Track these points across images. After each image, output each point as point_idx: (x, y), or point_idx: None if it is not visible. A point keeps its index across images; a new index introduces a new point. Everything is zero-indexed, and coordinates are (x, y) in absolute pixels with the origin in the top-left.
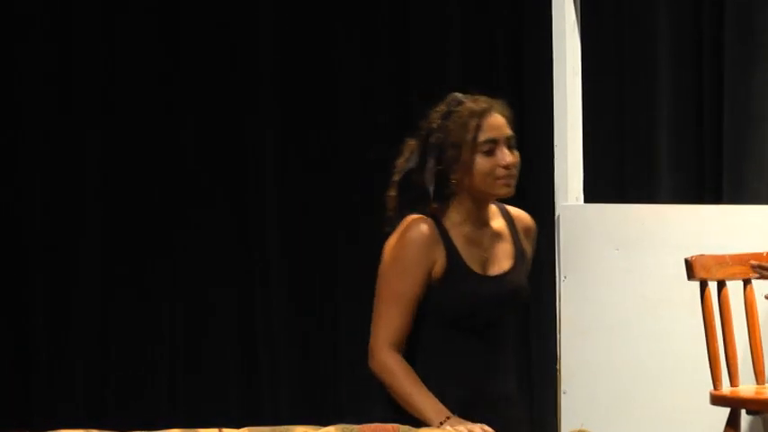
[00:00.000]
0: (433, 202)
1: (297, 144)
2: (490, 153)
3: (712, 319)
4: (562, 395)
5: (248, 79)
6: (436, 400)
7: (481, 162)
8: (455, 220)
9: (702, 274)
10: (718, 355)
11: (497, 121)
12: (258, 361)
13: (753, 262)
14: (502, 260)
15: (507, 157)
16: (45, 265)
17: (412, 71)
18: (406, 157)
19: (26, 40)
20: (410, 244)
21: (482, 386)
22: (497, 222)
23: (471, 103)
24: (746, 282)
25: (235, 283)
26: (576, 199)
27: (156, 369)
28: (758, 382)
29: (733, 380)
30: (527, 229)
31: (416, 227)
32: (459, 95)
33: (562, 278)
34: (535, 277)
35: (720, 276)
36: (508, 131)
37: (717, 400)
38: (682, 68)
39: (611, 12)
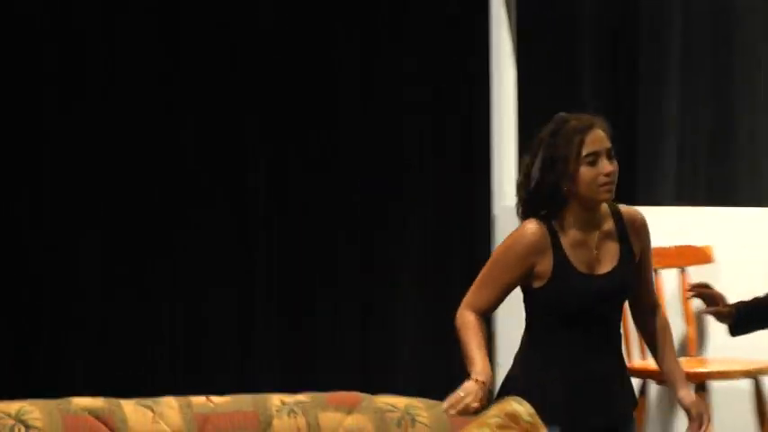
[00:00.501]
0: (547, 210)
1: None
2: (593, 164)
3: None
4: (497, 367)
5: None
6: (486, 362)
7: (585, 172)
8: (566, 225)
9: None
10: (629, 332)
11: (598, 136)
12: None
13: (692, 284)
14: (608, 260)
15: (608, 166)
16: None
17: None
18: (524, 173)
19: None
20: (517, 243)
21: (588, 369)
22: (607, 224)
23: (575, 120)
24: (655, 271)
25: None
26: (511, 200)
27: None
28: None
29: (641, 352)
30: (636, 226)
31: (527, 230)
32: (564, 114)
33: None
34: (475, 268)
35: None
36: (608, 144)
37: (630, 372)
38: (603, 79)
39: (542, 37)
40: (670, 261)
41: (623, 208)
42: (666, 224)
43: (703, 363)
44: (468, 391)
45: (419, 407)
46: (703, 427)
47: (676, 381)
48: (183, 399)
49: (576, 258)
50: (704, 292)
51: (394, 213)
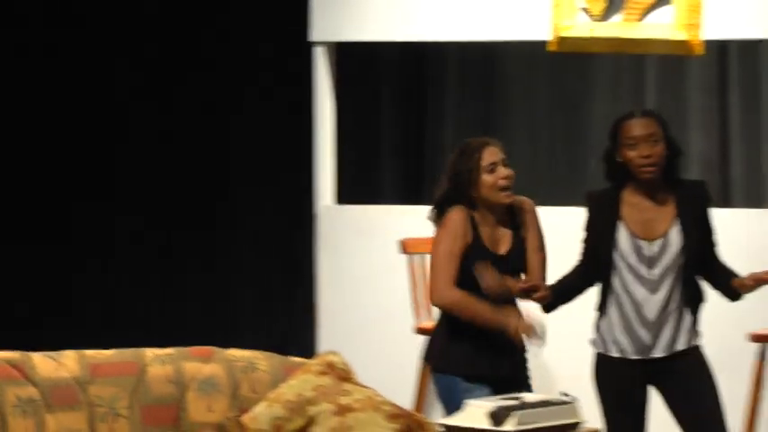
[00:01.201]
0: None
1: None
2: (492, 172)
3: (415, 278)
4: (319, 329)
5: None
6: (495, 310)
7: (486, 178)
8: (479, 215)
9: (409, 250)
10: (418, 298)
11: (493, 150)
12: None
13: (521, 285)
14: (505, 243)
15: (504, 171)
16: None
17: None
18: (442, 184)
19: None
20: (453, 219)
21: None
22: (504, 218)
23: (474, 142)
24: None
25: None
26: (329, 200)
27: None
28: None
29: (428, 317)
30: (524, 211)
31: (454, 212)
32: (466, 140)
33: (320, 258)
34: (298, 256)
35: (422, 251)
36: (502, 155)
37: (418, 330)
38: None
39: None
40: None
41: (516, 199)
42: None
43: None
44: (523, 327)
45: (260, 357)
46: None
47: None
48: (78, 351)
49: (487, 239)
50: (529, 289)
51: (227, 209)
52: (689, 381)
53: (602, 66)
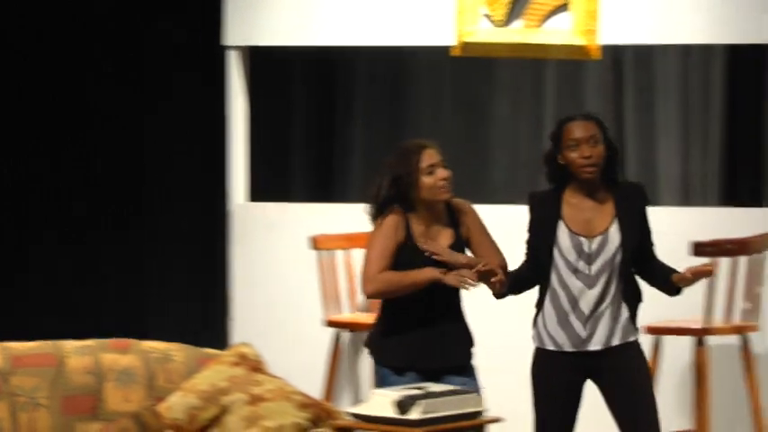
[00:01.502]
0: (401, 207)
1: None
2: (431, 173)
3: (325, 272)
4: (232, 321)
5: None
6: (417, 271)
7: (426, 180)
8: (415, 216)
9: (320, 246)
10: (328, 292)
11: (431, 152)
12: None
13: (479, 268)
14: (443, 241)
15: (443, 172)
16: None
17: None
18: (380, 185)
19: None
20: (384, 223)
21: (428, 324)
22: (444, 218)
23: (411, 145)
24: (347, 250)
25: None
26: (242, 198)
27: None
28: (352, 311)
29: (337, 310)
30: (463, 213)
31: (390, 215)
32: (403, 142)
33: (233, 253)
34: (215, 251)
35: (331, 247)
36: (439, 157)
37: (328, 323)
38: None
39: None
40: (359, 242)
41: (454, 202)
42: (356, 216)
43: None
44: (457, 272)
45: (175, 349)
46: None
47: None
48: (1, 343)
49: (421, 238)
50: (488, 273)
51: (144, 208)
52: (624, 377)
53: (503, 70)
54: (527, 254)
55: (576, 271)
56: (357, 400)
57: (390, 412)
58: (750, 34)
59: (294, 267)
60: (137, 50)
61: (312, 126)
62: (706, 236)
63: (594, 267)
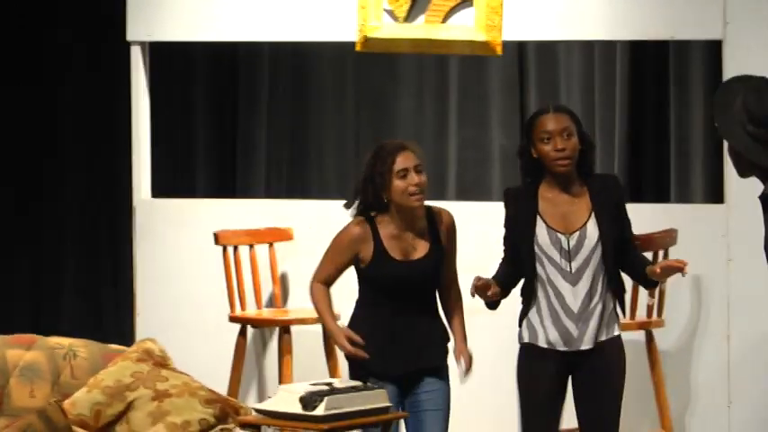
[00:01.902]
0: (372, 211)
1: None
2: (404, 177)
3: (229, 268)
4: (137, 317)
5: None
6: (335, 323)
7: (398, 184)
8: (386, 223)
9: (223, 242)
10: (234, 288)
11: (408, 155)
12: None
13: (476, 284)
14: (420, 249)
15: (416, 178)
16: None
17: None
18: (356, 186)
19: None
20: (344, 235)
21: (400, 328)
22: (421, 223)
23: (389, 145)
24: (251, 246)
25: None
26: (146, 194)
27: None
28: (257, 307)
29: (242, 305)
30: (445, 224)
31: (351, 227)
32: (383, 141)
33: (138, 249)
34: (119, 246)
35: (235, 243)
36: (416, 161)
37: (232, 319)
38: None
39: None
40: (262, 238)
41: (435, 208)
42: (260, 212)
43: (285, 312)
44: (343, 347)
45: (80, 345)
46: (468, 366)
47: (457, 337)
48: None
49: (391, 247)
50: (483, 287)
51: (48, 204)
52: (598, 379)
53: (406, 66)
54: (505, 251)
55: (559, 268)
56: (262, 395)
57: (295, 408)
58: (653, 30)
59: (198, 263)
60: (38, 47)
61: (216, 121)
62: None
63: (575, 264)
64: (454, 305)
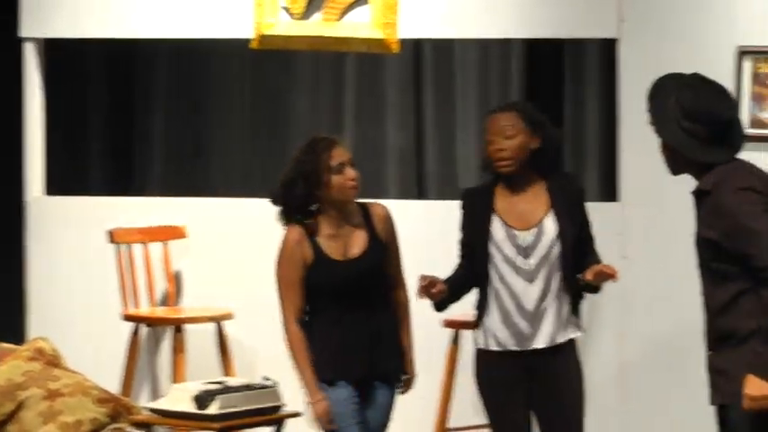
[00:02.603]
0: (303, 213)
1: None
2: (340, 172)
3: (123, 266)
4: (30, 315)
5: None
6: (315, 379)
7: (336, 179)
8: (320, 223)
9: (117, 240)
10: (127, 287)
11: (341, 150)
12: None
13: (421, 284)
14: (357, 246)
15: (352, 172)
16: None
17: None
18: (282, 186)
19: None
20: (287, 247)
21: (348, 332)
22: (356, 218)
23: (321, 141)
24: (145, 244)
25: None
26: (38, 192)
27: None
28: (150, 305)
29: (136, 304)
30: (380, 217)
31: (288, 235)
32: (314, 136)
33: (30, 246)
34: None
35: (129, 241)
36: (349, 155)
37: (126, 317)
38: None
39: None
40: (156, 236)
41: (369, 204)
42: (154, 210)
43: (179, 311)
44: (318, 417)
45: None
46: (405, 389)
47: (403, 348)
48: None
49: (330, 248)
50: (428, 285)
51: None
52: (559, 382)
53: (303, 62)
54: (461, 254)
55: (515, 267)
56: (156, 394)
57: (189, 407)
58: (548, 29)
59: (92, 261)
60: None
61: (111, 119)
62: None
63: (532, 261)
64: (400, 312)
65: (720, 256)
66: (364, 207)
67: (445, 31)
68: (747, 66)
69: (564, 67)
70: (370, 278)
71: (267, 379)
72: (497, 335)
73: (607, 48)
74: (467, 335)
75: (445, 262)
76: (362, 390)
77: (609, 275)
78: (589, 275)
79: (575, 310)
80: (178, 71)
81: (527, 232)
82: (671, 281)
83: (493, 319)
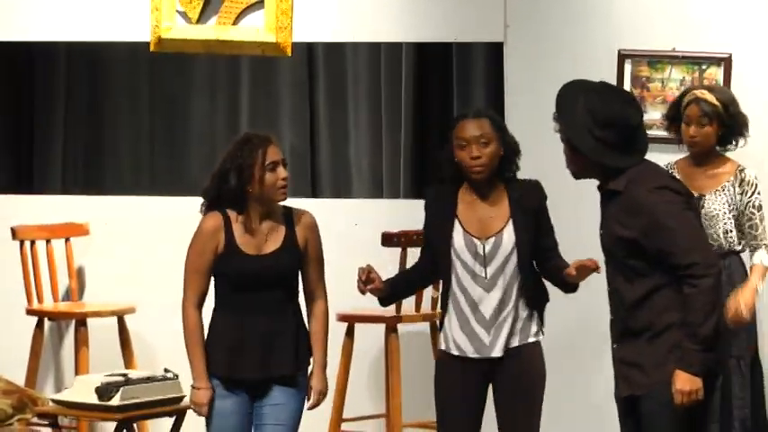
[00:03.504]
0: (230, 205)
1: None
2: (273, 170)
3: (26, 262)
4: None
5: None
6: (204, 367)
7: (269, 177)
8: (242, 217)
9: (21, 236)
10: (31, 282)
11: (275, 149)
12: None
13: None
14: (272, 244)
15: (284, 173)
16: None
17: None
18: (213, 178)
19: None
20: (200, 233)
21: (251, 329)
22: (278, 220)
23: (256, 138)
24: (48, 241)
25: None
26: None
27: None
28: (54, 300)
29: (39, 299)
30: (305, 225)
31: (205, 221)
32: (247, 132)
33: None
34: None
35: (32, 238)
36: (281, 155)
37: (29, 312)
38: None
39: None
40: (59, 233)
41: (295, 209)
42: (56, 208)
43: (82, 306)
44: (194, 402)
45: None
46: (315, 402)
47: (315, 362)
48: None
49: (244, 242)
50: (365, 281)
51: None
52: (515, 386)
53: (200, 65)
54: (422, 249)
55: (474, 274)
56: (59, 386)
57: (92, 398)
58: (437, 32)
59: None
60: None
61: (12, 120)
62: (397, 227)
63: (490, 270)
64: (315, 324)
65: (636, 254)
66: (290, 211)
67: (337, 35)
68: (628, 68)
69: (452, 69)
70: (276, 279)
71: (168, 371)
72: (457, 340)
73: (494, 51)
74: (361, 328)
75: (336, 260)
76: (259, 391)
77: (592, 269)
78: (572, 271)
79: (537, 316)
80: (78, 72)
81: (486, 241)
82: None
83: (453, 323)
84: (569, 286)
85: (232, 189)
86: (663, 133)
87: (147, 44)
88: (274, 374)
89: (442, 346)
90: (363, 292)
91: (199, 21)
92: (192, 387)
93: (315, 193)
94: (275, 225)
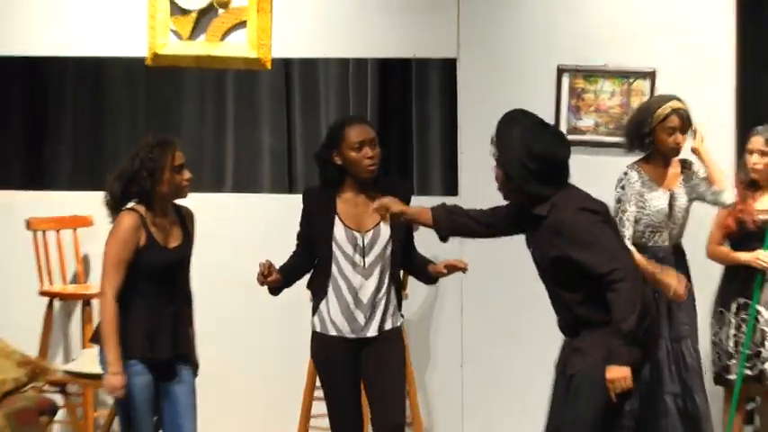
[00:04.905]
0: (141, 202)
1: None
2: (179, 172)
3: (38, 250)
4: None
5: None
6: (119, 353)
7: (177, 177)
8: (152, 214)
9: (34, 227)
10: (42, 267)
11: (180, 152)
12: None
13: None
14: (175, 239)
15: (188, 174)
16: None
17: None
18: (119, 177)
19: None
20: (121, 228)
21: (162, 314)
22: (173, 216)
23: (164, 141)
24: (57, 231)
25: None
26: None
27: None
28: (63, 283)
29: (50, 282)
30: (191, 218)
31: (125, 218)
32: (156, 136)
33: None
34: None
35: (44, 228)
36: (183, 158)
37: (42, 293)
38: None
39: None
40: (67, 224)
41: (182, 206)
42: (65, 202)
43: (87, 287)
44: (108, 385)
45: None
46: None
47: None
48: None
49: (158, 236)
50: (267, 273)
51: None
52: (383, 357)
53: (190, 78)
54: (297, 245)
55: (354, 264)
56: (68, 358)
57: (96, 369)
58: (397, 49)
59: (12, 245)
60: None
61: (29, 125)
62: None
63: (368, 260)
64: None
65: (566, 267)
66: (177, 206)
67: (311, 51)
68: (565, 81)
69: (411, 83)
70: (181, 268)
71: None
72: (336, 322)
73: (448, 67)
74: None
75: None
76: (169, 369)
77: (460, 268)
78: (441, 269)
79: (398, 302)
80: (84, 84)
81: (365, 234)
82: (502, 262)
83: (333, 307)
84: (430, 279)
85: (144, 188)
86: (596, 137)
87: (144, 59)
88: (180, 353)
89: (318, 328)
90: (263, 284)
91: (190, 38)
92: (108, 374)
93: (291, 189)
94: (173, 220)
